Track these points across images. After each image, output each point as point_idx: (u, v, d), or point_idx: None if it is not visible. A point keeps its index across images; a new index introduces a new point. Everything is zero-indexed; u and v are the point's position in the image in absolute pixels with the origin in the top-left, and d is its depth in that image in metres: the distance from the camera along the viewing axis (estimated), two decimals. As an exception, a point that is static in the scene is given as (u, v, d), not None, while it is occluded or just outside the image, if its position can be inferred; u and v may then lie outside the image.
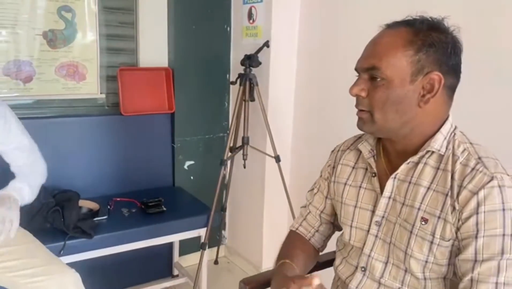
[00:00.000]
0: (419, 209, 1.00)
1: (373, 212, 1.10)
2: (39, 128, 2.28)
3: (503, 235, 0.89)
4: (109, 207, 2.28)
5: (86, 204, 2.20)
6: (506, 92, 1.60)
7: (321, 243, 1.32)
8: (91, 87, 2.45)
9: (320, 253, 1.40)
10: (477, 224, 0.91)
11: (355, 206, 1.15)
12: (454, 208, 0.95)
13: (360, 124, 1.06)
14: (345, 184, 1.19)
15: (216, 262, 2.96)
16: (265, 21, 2.47)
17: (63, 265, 1.70)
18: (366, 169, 1.15)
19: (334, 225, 1.31)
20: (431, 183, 1.00)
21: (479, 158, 0.96)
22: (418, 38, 0.96)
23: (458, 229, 0.94)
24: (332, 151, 1.30)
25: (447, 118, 1.03)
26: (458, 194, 0.94)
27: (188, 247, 2.75)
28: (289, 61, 2.53)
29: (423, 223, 0.99)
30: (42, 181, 1.81)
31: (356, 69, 1.05)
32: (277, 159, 2.37)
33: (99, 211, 2.20)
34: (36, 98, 2.33)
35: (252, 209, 2.76)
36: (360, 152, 1.17)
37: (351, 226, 1.16)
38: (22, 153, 1.73)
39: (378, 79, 0.98)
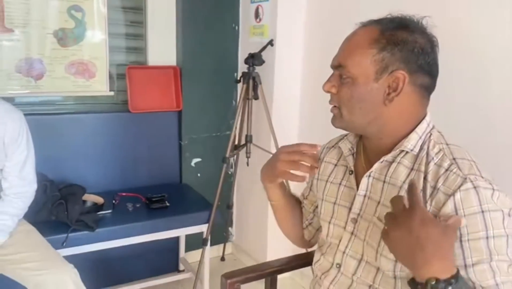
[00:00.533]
0: None
1: (350, 209, 1.11)
2: (49, 124, 2.37)
3: (487, 237, 0.87)
4: (114, 201, 2.34)
5: (91, 198, 2.27)
6: (477, 92, 1.60)
7: (312, 235, 1.36)
8: (100, 85, 2.51)
9: (310, 250, 1.42)
10: (459, 228, 0.88)
11: (335, 203, 1.16)
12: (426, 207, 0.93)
13: (332, 120, 1.08)
14: (327, 181, 1.20)
15: (222, 258, 3.00)
16: (270, 20, 2.49)
17: (61, 260, 1.76)
18: (347, 166, 1.16)
19: None
20: (404, 182, 0.99)
21: (454, 159, 0.95)
22: (383, 37, 0.97)
23: None
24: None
25: (424, 118, 1.02)
26: (432, 195, 0.93)
27: (194, 243, 2.78)
28: (295, 59, 2.54)
29: None
30: (23, 212, 1.86)
31: (330, 66, 1.07)
32: (280, 157, 2.38)
33: (104, 205, 2.26)
34: (47, 95, 2.42)
35: (257, 208, 2.78)
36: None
37: (329, 223, 1.17)
38: (16, 171, 1.79)
39: (345, 77, 1.01)
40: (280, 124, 2.51)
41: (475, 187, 0.89)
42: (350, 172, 1.13)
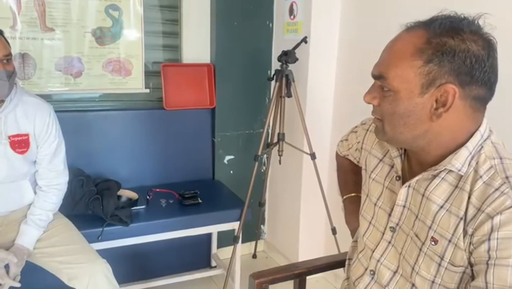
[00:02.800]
0: (430, 227, 0.93)
1: (390, 215, 1.05)
2: (86, 120, 2.44)
3: None
4: (148, 197, 2.38)
5: (126, 194, 2.32)
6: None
7: None
8: (136, 82, 2.56)
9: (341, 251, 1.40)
10: (489, 250, 0.82)
11: (375, 204, 1.10)
12: (466, 232, 0.86)
13: (375, 132, 1.02)
14: (370, 176, 1.14)
15: (254, 256, 3.00)
16: (305, 17, 2.46)
17: (95, 255, 1.80)
18: (392, 166, 1.08)
19: None
20: (446, 202, 0.91)
21: (506, 177, 0.84)
22: (430, 46, 0.85)
23: (470, 253, 0.86)
24: (363, 124, 1.27)
25: (477, 128, 0.91)
26: (474, 218, 0.85)
27: (226, 240, 2.80)
28: (329, 57, 2.50)
29: (432, 243, 0.92)
30: (58, 206, 1.91)
31: (371, 75, 0.98)
32: (313, 156, 2.36)
33: (138, 200, 2.30)
34: (85, 92, 2.49)
35: (289, 206, 2.77)
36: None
37: (370, 223, 1.12)
38: (45, 162, 1.83)
39: (386, 89, 0.92)
40: (313, 123, 2.48)
41: None
42: (397, 178, 1.04)
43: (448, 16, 0.88)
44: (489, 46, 0.86)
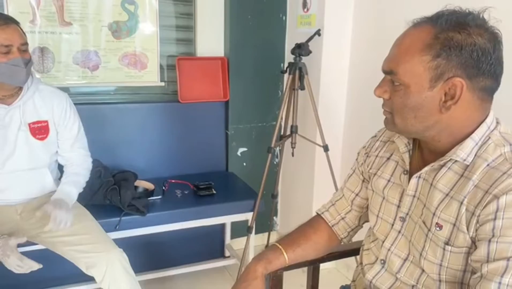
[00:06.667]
0: (434, 214, 0.97)
1: (398, 206, 1.09)
2: (103, 113, 2.50)
3: None
4: (164, 188, 2.43)
5: (142, 184, 2.37)
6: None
7: (345, 233, 1.31)
8: (151, 76, 2.60)
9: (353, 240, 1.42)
10: (493, 229, 0.85)
11: (383, 198, 1.14)
12: (473, 214, 0.89)
13: (385, 123, 1.05)
14: (375, 174, 1.18)
15: (267, 247, 3.03)
16: (318, 10, 2.47)
17: (112, 244, 1.85)
18: (398, 162, 1.12)
19: (362, 215, 1.29)
20: (451, 190, 0.94)
21: None
22: (438, 41, 0.88)
23: (476, 231, 0.89)
24: (373, 137, 1.27)
25: (484, 120, 0.95)
26: (482, 199, 0.88)
27: (239, 230, 2.84)
28: (343, 50, 2.51)
29: (437, 229, 0.96)
30: (86, 179, 1.97)
31: (382, 70, 1.02)
32: (325, 148, 2.38)
33: (154, 191, 2.36)
34: (102, 85, 2.54)
35: (301, 197, 2.80)
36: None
37: (377, 216, 1.16)
38: (68, 146, 1.91)
39: (396, 84, 0.96)
40: (326, 115, 2.50)
41: None
42: (405, 172, 1.08)
43: (454, 11, 0.91)
44: (494, 39, 0.89)
